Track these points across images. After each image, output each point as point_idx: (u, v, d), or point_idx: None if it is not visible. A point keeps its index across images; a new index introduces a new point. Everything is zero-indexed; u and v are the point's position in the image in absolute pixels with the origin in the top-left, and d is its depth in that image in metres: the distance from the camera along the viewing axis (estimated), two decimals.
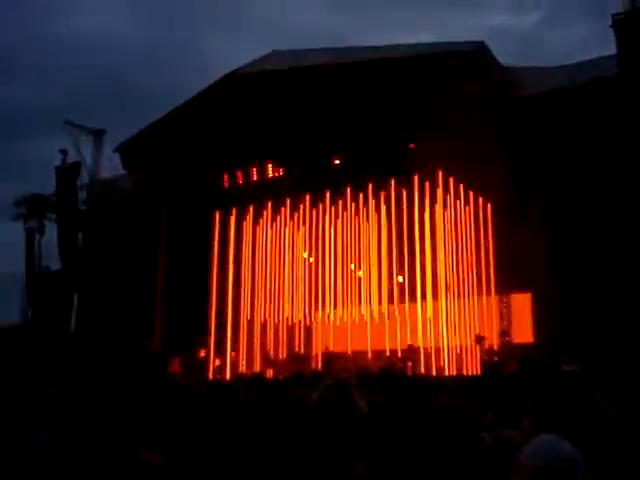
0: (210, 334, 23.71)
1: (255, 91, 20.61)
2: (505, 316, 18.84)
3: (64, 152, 26.67)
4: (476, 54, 18.22)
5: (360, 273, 22.71)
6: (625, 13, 16.91)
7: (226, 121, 21.30)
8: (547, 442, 2.28)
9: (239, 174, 23.27)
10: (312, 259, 23.59)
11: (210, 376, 22.80)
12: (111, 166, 26.39)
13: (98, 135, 27.68)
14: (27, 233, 30.86)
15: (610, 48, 17.19)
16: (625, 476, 2.82)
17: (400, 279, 21.63)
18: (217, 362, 23.48)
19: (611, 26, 17.07)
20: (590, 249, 16.70)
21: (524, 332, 18.49)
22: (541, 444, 2.27)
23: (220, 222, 24.26)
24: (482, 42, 18.40)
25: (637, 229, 15.56)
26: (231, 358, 23.54)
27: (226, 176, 23.42)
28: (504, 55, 19.35)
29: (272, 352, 23.38)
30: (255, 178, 23.03)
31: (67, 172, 26.72)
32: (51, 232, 28.65)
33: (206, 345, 23.58)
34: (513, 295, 18.96)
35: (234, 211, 24.17)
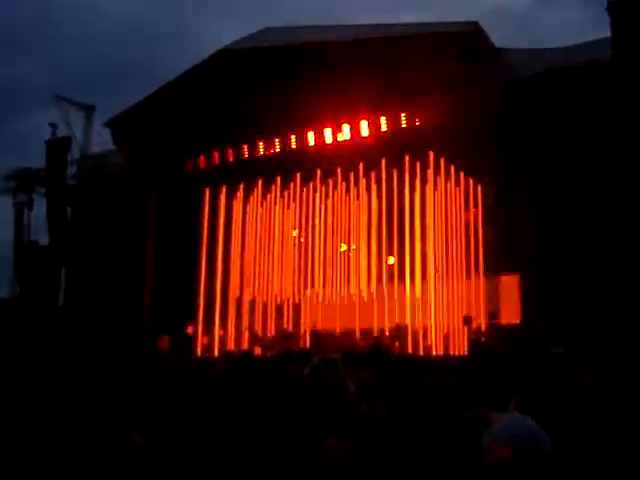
0: (198, 312, 23.70)
1: (247, 67, 20.51)
2: (493, 297, 18.90)
3: (54, 126, 26.56)
4: (470, 35, 18.16)
5: (344, 248, 22.69)
6: None
7: (218, 97, 21.19)
8: (510, 424, 2.31)
9: (230, 151, 23.20)
10: (302, 238, 23.59)
11: (198, 353, 22.82)
12: (101, 141, 26.30)
13: (88, 110, 27.53)
14: (16, 207, 30.82)
15: (605, 31, 17.17)
16: (610, 455, 2.84)
17: (391, 260, 21.66)
18: (205, 340, 23.49)
19: (606, 9, 17.03)
20: (579, 232, 16.76)
21: (511, 313, 18.57)
22: (505, 427, 2.30)
23: (210, 199, 24.18)
24: (476, 22, 18.35)
25: (627, 213, 15.60)
26: (219, 336, 23.56)
27: (216, 153, 23.35)
28: (499, 36, 19.33)
29: (260, 330, 23.42)
30: (245, 156, 22.95)
31: (57, 146, 26.60)
32: (40, 206, 28.62)
33: (194, 322, 23.58)
34: (501, 277, 19.01)
35: (224, 189, 24.08)
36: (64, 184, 26.81)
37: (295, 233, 23.77)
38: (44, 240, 28.39)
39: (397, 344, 19.75)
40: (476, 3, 55.96)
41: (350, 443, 2.75)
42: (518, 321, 18.41)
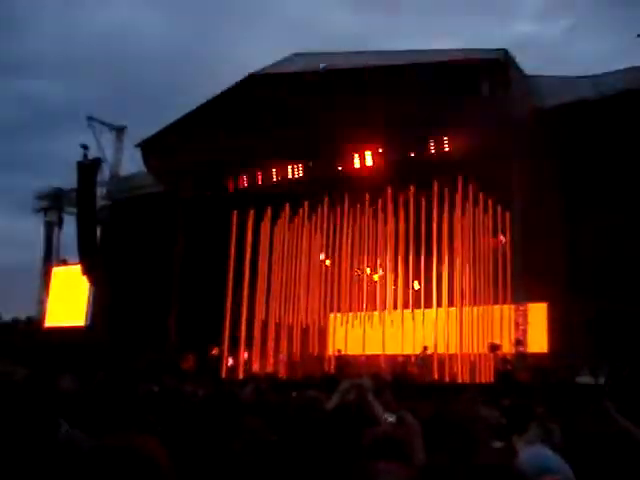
0: (224, 333, 23.77)
1: (276, 92, 20.66)
2: (521, 325, 18.75)
3: (85, 147, 26.90)
4: (499, 62, 18.17)
5: (376, 277, 22.72)
6: None
7: (247, 121, 21.36)
8: (532, 456, 2.31)
9: (258, 175, 23.37)
10: (329, 262, 23.62)
11: (223, 375, 22.85)
12: (132, 162, 26.61)
13: (119, 131, 27.88)
14: (46, 226, 31.23)
15: (638, 59, 17.11)
16: None
17: (417, 285, 21.60)
18: (230, 361, 23.54)
19: (638, 36, 16.98)
20: (608, 261, 16.60)
21: (539, 342, 18.40)
22: (526, 458, 2.30)
23: (238, 222, 24.32)
24: (505, 50, 18.36)
25: None
26: (244, 358, 23.59)
27: (245, 177, 23.52)
28: (530, 65, 19.30)
29: (285, 354, 23.42)
30: (274, 179, 23.10)
31: (88, 167, 26.94)
32: (70, 226, 28.96)
33: (220, 344, 23.64)
34: (529, 304, 18.85)
35: (252, 212, 24.22)
36: (94, 205, 27.13)
37: (322, 257, 23.81)
38: (73, 259, 28.70)
39: (423, 371, 19.63)
40: (506, 32, 55.97)
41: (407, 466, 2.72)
42: (545, 350, 18.24)
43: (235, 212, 24.30)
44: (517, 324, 18.79)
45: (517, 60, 18.68)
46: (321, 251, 23.85)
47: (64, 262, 30.63)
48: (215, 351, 23.55)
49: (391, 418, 4.01)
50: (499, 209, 20.22)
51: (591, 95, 17.48)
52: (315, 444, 2.96)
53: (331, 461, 2.82)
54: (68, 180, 28.59)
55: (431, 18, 60.89)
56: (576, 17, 60.61)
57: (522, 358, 17.91)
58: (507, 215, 19.91)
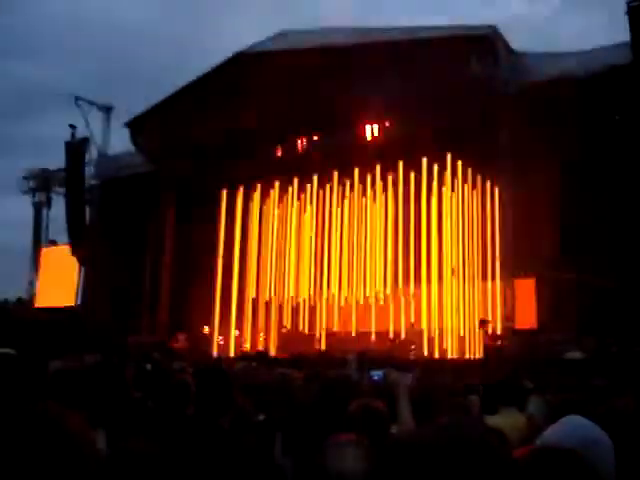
0: (215, 312, 23.82)
1: (265, 70, 20.56)
2: (509, 301, 18.86)
3: (73, 127, 26.70)
4: (487, 38, 18.15)
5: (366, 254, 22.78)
6: None
7: (234, 100, 21.26)
8: (573, 427, 2.21)
9: (247, 153, 23.28)
10: (318, 239, 23.63)
11: (214, 352, 22.95)
12: (120, 142, 26.47)
13: (107, 111, 27.69)
14: (35, 207, 31.10)
15: (625, 35, 17.07)
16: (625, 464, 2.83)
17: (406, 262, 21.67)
18: (221, 339, 23.62)
19: (626, 13, 16.93)
20: (596, 236, 16.68)
21: (527, 317, 18.52)
22: (561, 427, 2.22)
23: (227, 201, 24.31)
24: (494, 26, 18.33)
25: None
26: (235, 336, 23.68)
27: (234, 155, 23.44)
28: (518, 42, 19.26)
29: (276, 330, 23.57)
30: (262, 158, 23.02)
31: (76, 147, 26.78)
32: (58, 206, 28.84)
33: (210, 323, 23.71)
34: (517, 280, 18.96)
35: (241, 190, 24.20)
36: (83, 185, 27.00)
37: (312, 234, 23.84)
38: (63, 239, 28.61)
39: (413, 347, 19.77)
40: (494, 11, 55.71)
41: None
42: (534, 325, 18.37)
43: (224, 190, 24.27)
44: (506, 300, 18.89)
45: (505, 37, 18.65)
46: (310, 229, 23.88)
47: (53, 243, 30.51)
48: (207, 329, 23.63)
49: (377, 376, 4.08)
50: (488, 185, 20.28)
51: (577, 71, 17.47)
52: (298, 420, 3.01)
53: (308, 437, 2.87)
54: (56, 160, 28.46)
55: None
56: None
57: (511, 334, 18.05)
58: (496, 190, 19.97)
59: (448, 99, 18.24)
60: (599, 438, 2.17)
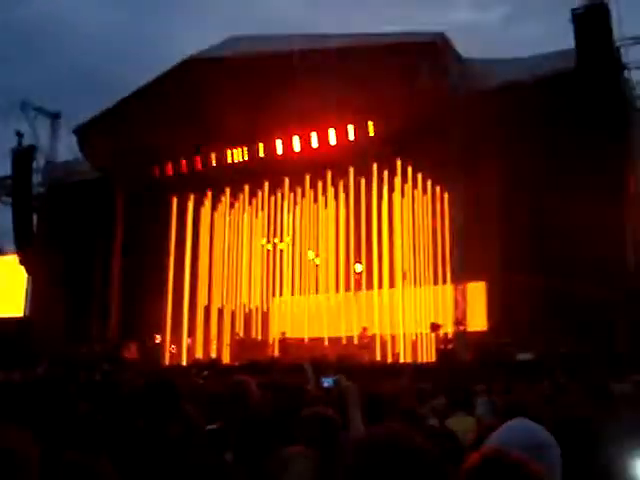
0: (166, 320, 23.59)
1: (215, 76, 20.45)
2: (460, 304, 19.03)
3: (20, 134, 26.25)
4: (437, 44, 18.31)
5: (317, 260, 22.78)
6: (584, 7, 17.13)
7: (186, 105, 21.10)
8: (515, 428, 2.23)
9: (197, 159, 23.10)
10: (270, 246, 23.61)
11: (166, 362, 22.73)
12: (68, 149, 26.07)
13: (54, 118, 27.30)
14: None
15: (571, 42, 17.41)
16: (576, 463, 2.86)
17: (358, 268, 21.72)
18: (173, 348, 23.40)
19: (571, 21, 17.27)
20: (544, 239, 16.93)
21: (478, 320, 18.72)
22: (508, 430, 2.23)
23: (178, 207, 24.12)
24: (442, 33, 18.50)
25: (592, 222, 15.75)
26: (187, 344, 23.49)
27: (184, 161, 23.24)
28: (468, 51, 19.49)
29: (228, 338, 23.42)
30: (213, 164, 22.86)
31: (23, 155, 26.33)
32: (5, 215, 28.26)
33: (162, 331, 23.47)
34: (468, 284, 19.15)
35: (192, 197, 24.04)
36: (30, 193, 26.54)
37: (264, 241, 23.78)
38: (10, 248, 28.08)
39: (365, 352, 19.82)
40: (445, 19, 56.45)
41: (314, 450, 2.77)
42: (485, 328, 18.57)
43: (174, 197, 24.08)
44: (457, 303, 19.05)
45: (454, 44, 18.84)
46: (262, 235, 23.83)
47: (0, 252, 29.95)
48: (158, 338, 23.39)
49: (327, 383, 4.09)
50: (438, 190, 20.47)
51: (525, 77, 17.76)
52: (250, 429, 2.98)
53: (260, 445, 2.85)
54: (1, 168, 27.92)
55: (368, 5, 60.95)
56: (512, 5, 61.51)
57: (462, 337, 18.22)
58: (445, 195, 20.16)
59: (398, 105, 18.37)
60: (545, 440, 2.19)
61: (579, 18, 17.16)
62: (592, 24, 17.04)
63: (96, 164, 24.32)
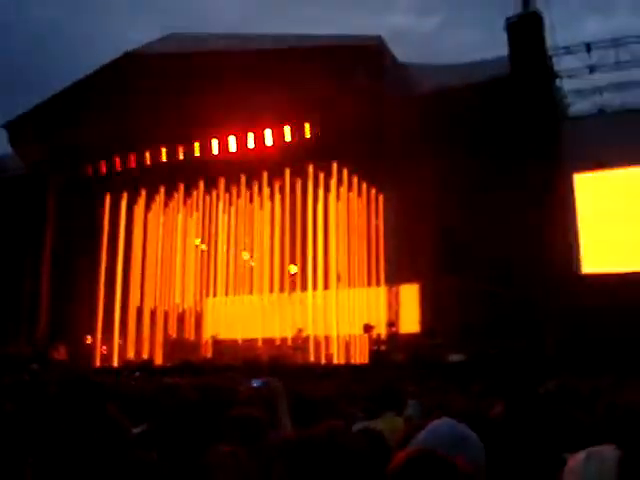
0: (97, 320, 23.20)
1: (151, 72, 20.22)
2: (393, 306, 19.21)
3: None
4: (373, 48, 18.46)
5: (252, 261, 22.71)
6: (517, 16, 17.51)
7: (119, 103, 20.80)
8: (439, 427, 2.28)
9: (131, 157, 22.78)
10: (204, 246, 23.44)
11: (97, 363, 22.36)
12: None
13: None
14: None
15: (505, 49, 17.80)
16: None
17: (293, 269, 21.73)
18: (104, 349, 23.03)
19: (504, 29, 17.64)
20: (475, 242, 17.19)
21: (411, 322, 18.92)
22: (432, 429, 2.27)
23: (110, 206, 23.76)
24: (379, 37, 18.66)
25: (522, 224, 16.05)
26: (119, 345, 23.13)
27: (118, 159, 22.90)
28: (404, 55, 19.70)
29: (161, 339, 23.15)
30: (148, 162, 22.58)
31: None
32: None
33: (93, 332, 23.07)
34: (401, 286, 19.35)
35: (125, 195, 23.70)
36: None
37: (198, 241, 23.59)
38: None
39: (299, 353, 19.83)
40: (381, 23, 57.01)
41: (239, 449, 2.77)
42: (417, 330, 18.77)
43: (107, 196, 23.72)
44: (390, 305, 19.23)
45: (391, 49, 19.01)
46: (196, 235, 23.65)
47: None
48: (89, 339, 22.98)
49: (257, 383, 4.09)
50: (373, 192, 20.64)
51: (460, 82, 18.04)
52: (177, 430, 2.96)
53: (190, 446, 2.83)
54: None
55: (305, 8, 61.07)
56: (448, 12, 62.56)
57: (395, 338, 18.39)
58: (380, 198, 20.34)
59: (334, 108, 18.46)
60: (468, 438, 2.24)
61: (513, 26, 17.55)
62: (525, 33, 17.45)
63: (27, 160, 23.78)
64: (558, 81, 18.32)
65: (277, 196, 22.16)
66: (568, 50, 17.97)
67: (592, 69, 17.86)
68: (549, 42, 17.66)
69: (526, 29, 17.49)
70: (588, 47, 17.75)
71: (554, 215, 16.55)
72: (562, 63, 18.08)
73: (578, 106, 18.65)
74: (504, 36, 17.67)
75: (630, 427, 2.69)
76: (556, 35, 18.13)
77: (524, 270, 16.07)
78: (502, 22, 17.65)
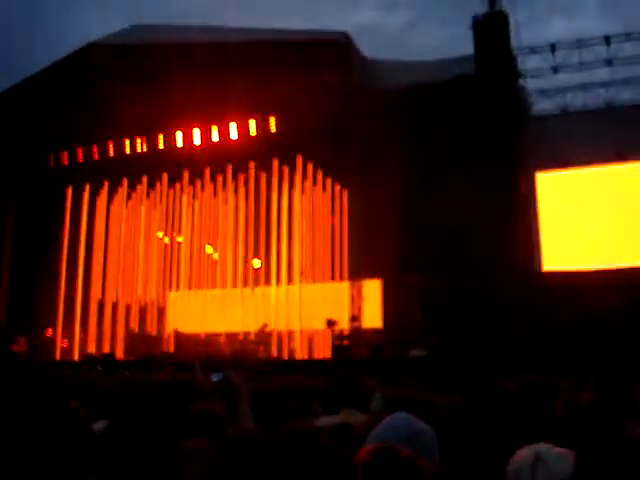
0: (58, 313, 22.94)
1: (115, 63, 20.02)
2: (356, 301, 19.28)
3: None
4: (340, 44, 18.47)
5: (215, 255, 22.62)
6: (483, 15, 17.64)
7: (83, 93, 20.56)
8: (395, 420, 2.35)
9: (94, 149, 22.53)
10: (167, 239, 23.29)
11: (57, 356, 22.11)
12: None
13: None
14: None
15: (471, 48, 17.93)
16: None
17: (257, 263, 21.69)
18: (65, 342, 22.79)
19: (470, 28, 17.77)
20: (439, 239, 17.29)
21: (373, 317, 19.00)
22: (389, 423, 2.34)
23: (72, 198, 23.48)
24: (346, 32, 18.68)
25: (484, 222, 16.18)
26: (79, 338, 22.90)
27: (80, 150, 22.63)
28: (372, 52, 19.75)
29: (123, 332, 22.95)
30: (111, 154, 22.34)
31: None
32: None
33: (53, 325, 22.81)
34: (364, 281, 19.42)
35: (87, 187, 23.43)
36: None
37: (161, 234, 23.42)
38: None
39: (262, 347, 19.81)
40: (349, 19, 56.95)
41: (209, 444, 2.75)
42: (380, 325, 18.86)
43: (69, 187, 23.43)
44: (353, 300, 19.29)
45: (358, 45, 19.05)
46: (160, 228, 23.47)
47: None
48: (50, 333, 22.71)
49: (217, 378, 4.07)
50: (337, 188, 20.66)
51: (427, 79, 18.13)
52: (138, 425, 2.93)
53: (152, 442, 2.81)
54: None
55: (273, 3, 60.82)
56: (416, 10, 62.76)
57: (357, 333, 18.46)
58: (345, 194, 20.37)
59: (300, 102, 18.45)
60: (422, 431, 2.33)
61: (479, 25, 17.68)
62: (491, 32, 17.60)
63: None
64: (522, 80, 18.50)
65: (241, 190, 22.08)
66: (533, 50, 18.14)
67: (556, 69, 18.05)
68: (514, 42, 17.84)
69: (492, 28, 17.64)
70: (553, 47, 17.94)
71: (516, 213, 16.73)
72: (527, 63, 18.26)
73: (541, 105, 18.86)
74: (471, 34, 17.82)
75: (587, 427, 2.74)
76: (521, 35, 18.34)
77: (486, 267, 16.21)
78: (469, 21, 17.80)
